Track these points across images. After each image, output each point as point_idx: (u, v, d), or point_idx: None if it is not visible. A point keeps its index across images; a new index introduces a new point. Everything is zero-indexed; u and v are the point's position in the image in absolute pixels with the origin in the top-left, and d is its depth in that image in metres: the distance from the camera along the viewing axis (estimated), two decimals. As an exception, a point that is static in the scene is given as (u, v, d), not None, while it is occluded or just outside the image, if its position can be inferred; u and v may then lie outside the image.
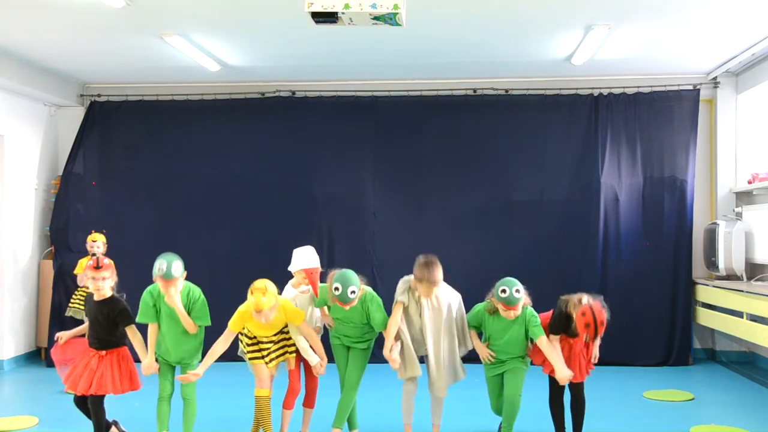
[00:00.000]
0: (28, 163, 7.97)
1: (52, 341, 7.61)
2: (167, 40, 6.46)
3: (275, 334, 4.81)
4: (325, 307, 5.01)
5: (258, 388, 4.82)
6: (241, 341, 4.87)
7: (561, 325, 4.65)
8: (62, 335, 4.91)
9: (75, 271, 7.45)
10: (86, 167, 8.19)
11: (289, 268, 5.03)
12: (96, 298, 4.73)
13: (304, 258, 4.99)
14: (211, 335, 4.88)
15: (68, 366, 4.84)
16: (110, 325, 4.69)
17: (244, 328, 4.77)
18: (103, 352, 4.69)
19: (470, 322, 4.93)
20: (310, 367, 4.97)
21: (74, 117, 8.35)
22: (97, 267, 4.68)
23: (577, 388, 4.77)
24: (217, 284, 7.89)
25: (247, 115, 8.15)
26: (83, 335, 4.86)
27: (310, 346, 4.87)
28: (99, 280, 4.67)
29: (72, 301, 7.44)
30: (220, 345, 4.64)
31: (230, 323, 4.67)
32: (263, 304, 4.43)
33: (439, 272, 4.71)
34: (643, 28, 6.20)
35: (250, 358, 4.83)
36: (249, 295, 4.50)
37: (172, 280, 4.54)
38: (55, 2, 5.51)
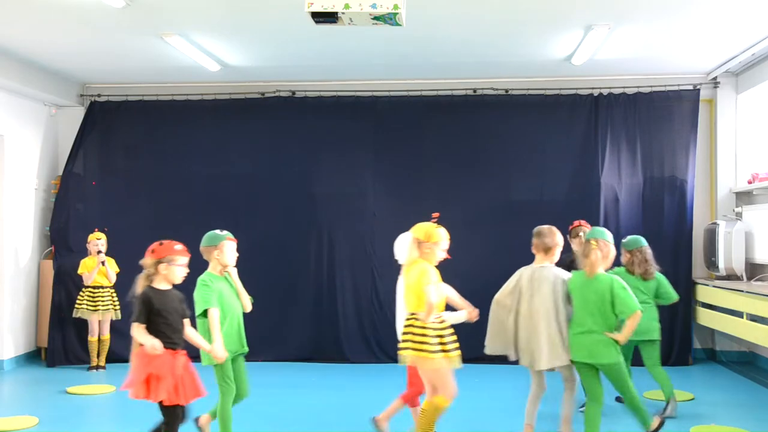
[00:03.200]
0: (28, 163, 7.97)
1: (52, 341, 7.70)
2: (167, 40, 6.46)
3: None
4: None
5: (448, 398, 4.24)
6: (422, 333, 4.19)
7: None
8: (156, 345, 3.92)
9: (79, 271, 7.47)
10: (86, 167, 8.19)
11: (399, 259, 4.71)
12: (173, 283, 4.14)
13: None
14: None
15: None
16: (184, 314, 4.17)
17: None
18: (184, 351, 4.09)
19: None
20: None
21: (74, 117, 8.34)
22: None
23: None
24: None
25: (247, 115, 8.15)
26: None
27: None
28: (185, 266, 4.15)
29: (78, 301, 7.47)
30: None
31: (426, 275, 4.18)
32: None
33: None
34: (643, 28, 6.21)
35: (444, 350, 4.14)
36: (428, 240, 4.27)
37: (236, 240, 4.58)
38: (55, 2, 5.51)
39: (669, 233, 7.64)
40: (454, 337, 4.24)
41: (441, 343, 4.16)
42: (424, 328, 4.17)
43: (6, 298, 7.54)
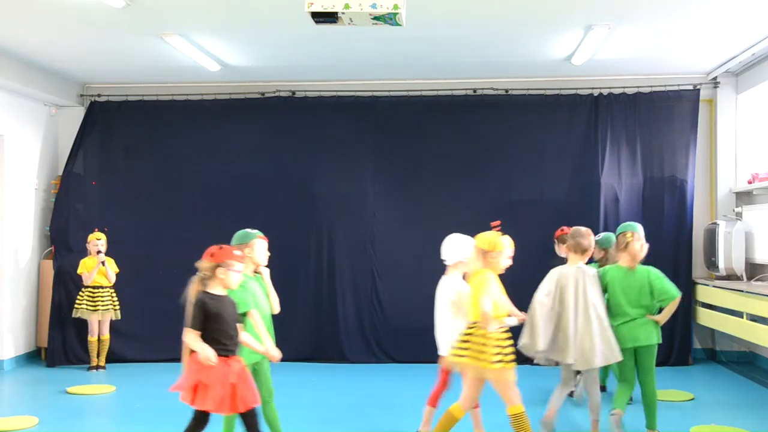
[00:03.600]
0: (28, 163, 7.96)
1: (52, 341, 7.70)
2: (167, 40, 6.45)
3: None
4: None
5: (519, 403, 4.23)
6: (482, 343, 4.17)
7: None
8: (210, 356, 3.78)
9: (79, 271, 7.47)
10: (86, 167, 8.18)
11: (447, 259, 4.74)
12: (229, 288, 4.01)
13: (464, 242, 4.71)
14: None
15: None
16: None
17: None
18: (239, 357, 3.98)
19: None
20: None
21: (74, 117, 8.34)
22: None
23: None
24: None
25: (247, 115, 8.14)
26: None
27: None
28: (241, 272, 4.03)
29: (78, 301, 7.47)
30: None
31: (486, 285, 4.19)
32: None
33: None
34: (643, 28, 6.20)
35: (502, 361, 4.15)
36: (493, 249, 4.28)
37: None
38: (55, 2, 5.51)
39: (669, 233, 7.64)
40: (512, 348, 4.27)
41: (499, 353, 4.17)
42: (485, 337, 4.18)
43: (6, 298, 7.54)
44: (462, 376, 4.42)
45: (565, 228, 6.04)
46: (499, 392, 4.25)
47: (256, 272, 4.47)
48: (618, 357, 4.66)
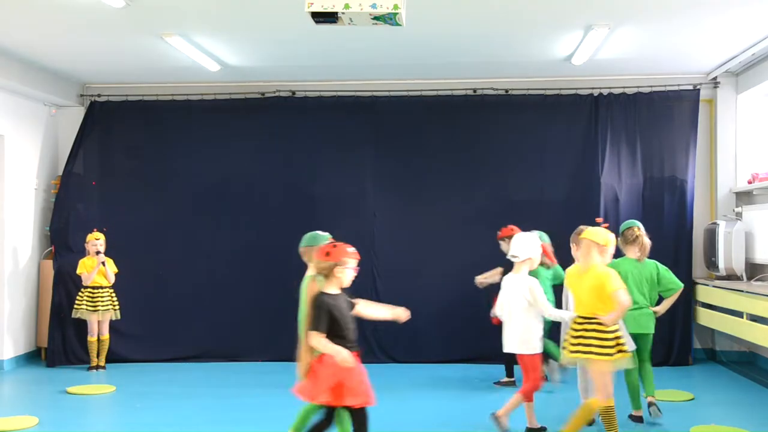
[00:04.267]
0: (28, 163, 7.96)
1: (52, 341, 7.71)
2: (167, 40, 6.45)
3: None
4: None
5: (603, 400, 4.37)
6: (602, 337, 4.32)
7: None
8: (347, 357, 3.79)
9: (78, 272, 7.47)
10: (86, 167, 8.18)
11: (519, 256, 4.81)
12: (344, 285, 3.97)
13: (533, 239, 4.87)
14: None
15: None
16: None
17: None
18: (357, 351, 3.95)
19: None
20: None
21: (74, 117, 8.33)
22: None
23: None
24: (217, 284, 7.91)
25: (247, 115, 8.14)
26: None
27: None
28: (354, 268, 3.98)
29: (78, 301, 7.47)
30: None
31: (615, 280, 4.31)
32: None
33: None
34: (643, 28, 6.20)
35: (621, 351, 4.34)
36: (606, 245, 4.43)
37: None
38: (55, 2, 5.51)
39: (669, 233, 7.63)
40: (623, 339, 4.45)
41: (618, 344, 4.35)
42: (604, 332, 4.32)
43: (6, 298, 7.54)
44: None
45: (514, 227, 6.15)
46: (595, 382, 4.43)
47: None
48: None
